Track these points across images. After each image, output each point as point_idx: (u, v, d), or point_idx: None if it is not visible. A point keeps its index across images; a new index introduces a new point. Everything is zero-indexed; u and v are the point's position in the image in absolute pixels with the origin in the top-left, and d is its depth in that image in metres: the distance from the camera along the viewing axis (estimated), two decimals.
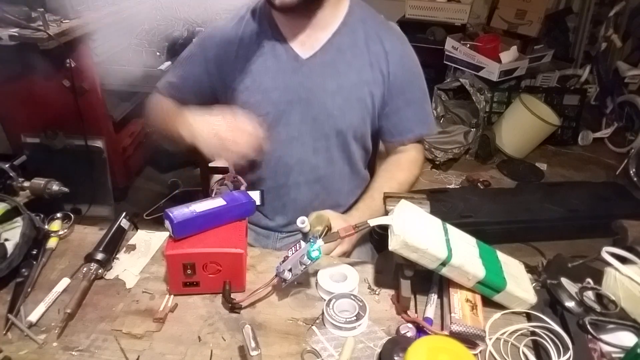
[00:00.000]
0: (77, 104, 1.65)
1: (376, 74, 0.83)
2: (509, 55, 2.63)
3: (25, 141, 1.78)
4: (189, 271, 0.60)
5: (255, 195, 0.69)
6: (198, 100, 0.87)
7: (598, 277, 0.61)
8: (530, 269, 0.67)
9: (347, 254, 0.81)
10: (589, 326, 0.54)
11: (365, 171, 0.98)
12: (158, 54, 1.76)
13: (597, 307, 0.56)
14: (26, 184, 0.82)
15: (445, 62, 2.88)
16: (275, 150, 0.84)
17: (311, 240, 0.59)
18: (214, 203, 0.65)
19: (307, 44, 0.82)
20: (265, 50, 0.82)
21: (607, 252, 0.59)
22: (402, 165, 0.92)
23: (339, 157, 0.89)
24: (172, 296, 0.63)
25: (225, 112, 0.74)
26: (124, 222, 0.76)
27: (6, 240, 0.68)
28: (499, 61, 2.61)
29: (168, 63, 1.77)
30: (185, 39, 1.90)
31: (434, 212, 0.65)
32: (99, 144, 1.79)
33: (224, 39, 0.84)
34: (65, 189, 0.89)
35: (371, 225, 0.60)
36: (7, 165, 0.87)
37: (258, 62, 0.82)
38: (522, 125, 2.58)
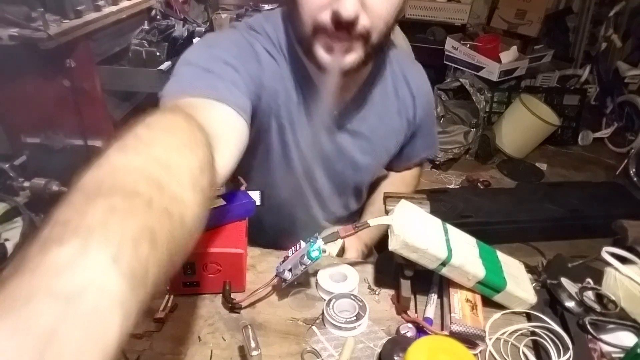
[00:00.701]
0: (77, 104, 1.65)
1: (403, 121, 0.80)
2: (509, 55, 2.64)
3: (25, 141, 1.77)
4: (188, 271, 0.60)
5: (255, 195, 0.68)
6: (247, 118, 0.58)
7: (598, 277, 0.61)
8: (530, 269, 0.67)
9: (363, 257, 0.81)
10: (589, 326, 0.54)
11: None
12: (158, 54, 1.76)
13: (597, 307, 0.56)
14: (26, 184, 0.82)
15: (445, 62, 2.89)
16: (293, 202, 0.82)
17: (311, 241, 0.59)
18: (213, 202, 0.65)
19: (337, 94, 0.70)
20: (301, 100, 0.70)
21: (607, 252, 0.59)
22: (407, 180, 0.93)
23: (354, 201, 0.89)
24: (172, 296, 0.63)
25: None
26: None
27: (6, 240, 0.68)
28: (499, 61, 2.61)
29: (168, 63, 1.77)
30: (186, 39, 1.90)
31: (434, 212, 0.65)
32: (98, 143, 1.79)
33: (271, 73, 0.67)
34: (65, 189, 0.90)
35: (371, 225, 0.60)
36: (7, 166, 0.87)
37: (294, 115, 0.71)
38: (522, 125, 2.58)
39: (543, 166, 2.60)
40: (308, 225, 0.84)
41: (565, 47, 3.31)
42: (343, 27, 0.54)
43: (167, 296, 0.63)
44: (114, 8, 1.70)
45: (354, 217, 0.93)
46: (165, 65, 1.76)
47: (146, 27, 1.89)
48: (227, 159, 0.49)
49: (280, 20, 0.69)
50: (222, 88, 0.55)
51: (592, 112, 3.01)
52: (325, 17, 0.55)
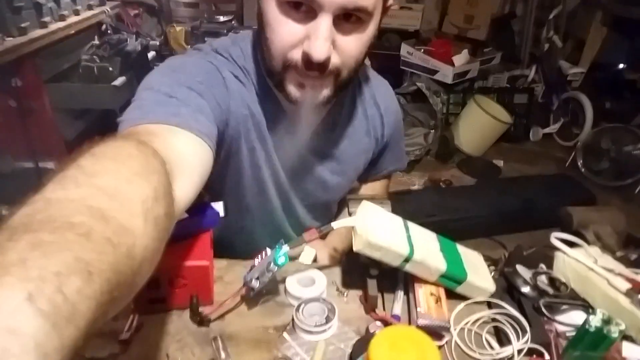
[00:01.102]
0: (25, 124, 1.58)
1: (372, 139, 0.80)
2: (460, 59, 2.75)
3: None
4: (153, 287, 0.59)
5: (218, 206, 0.68)
6: (212, 144, 0.56)
7: (550, 263, 0.65)
8: (492, 262, 0.70)
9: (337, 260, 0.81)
10: (543, 308, 0.57)
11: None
12: (111, 69, 1.71)
13: (550, 290, 0.59)
14: None
15: (401, 67, 2.97)
16: (266, 223, 0.81)
17: (277, 247, 0.59)
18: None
19: (306, 119, 0.71)
20: (271, 125, 0.69)
21: (555, 237, 0.63)
22: (376, 190, 0.93)
23: (325, 217, 0.89)
24: (137, 315, 0.61)
25: None
26: None
27: None
28: (452, 64, 2.72)
29: (122, 78, 1.73)
30: (139, 53, 1.86)
31: (398, 213, 0.67)
32: (50, 165, 1.71)
33: (239, 97, 0.66)
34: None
35: (334, 227, 0.61)
36: None
37: (266, 138, 0.70)
38: (477, 125, 2.70)
39: (500, 162, 2.73)
40: (278, 239, 0.84)
41: (512, 49, 3.50)
42: (314, 68, 0.54)
43: (131, 316, 0.61)
44: (61, 24, 1.65)
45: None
46: (119, 81, 1.72)
47: (97, 42, 1.84)
48: (187, 186, 0.46)
49: (248, 46, 0.68)
50: (185, 114, 0.53)
51: (540, 109, 3.19)
52: (297, 56, 0.55)
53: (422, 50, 2.85)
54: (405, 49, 2.93)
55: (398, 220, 0.66)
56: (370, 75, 0.80)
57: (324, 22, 0.51)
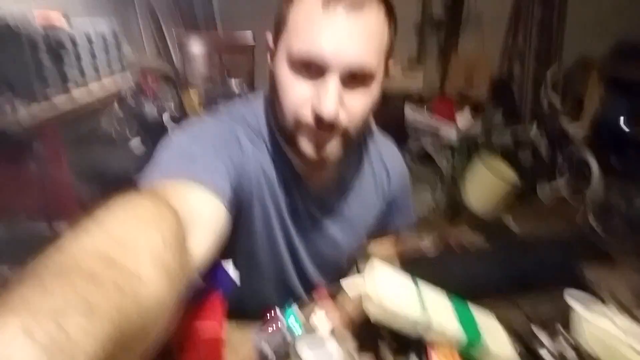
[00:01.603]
0: (43, 187, 1.63)
1: (379, 196, 0.83)
2: (463, 118, 2.84)
3: None
4: (163, 356, 0.57)
5: (233, 273, 0.68)
6: (227, 202, 0.57)
7: (566, 322, 0.63)
8: (508, 324, 0.68)
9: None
10: None
11: None
12: (128, 132, 1.79)
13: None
14: None
15: (405, 126, 3.07)
16: (277, 283, 0.81)
17: (287, 309, 0.58)
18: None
19: (317, 179, 0.74)
20: (283, 185, 0.72)
21: (570, 296, 0.61)
22: (385, 247, 0.94)
23: (334, 276, 0.87)
24: None
25: None
26: None
27: None
28: (455, 123, 2.80)
29: (138, 141, 1.80)
30: (155, 116, 1.95)
31: (405, 273, 0.67)
32: (64, 226, 1.74)
33: (253, 159, 0.68)
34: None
35: (343, 285, 0.61)
36: None
37: (279, 198, 0.72)
38: (483, 183, 2.71)
39: (509, 220, 2.70)
40: (288, 299, 0.83)
41: (513, 107, 3.61)
42: (323, 126, 0.57)
43: None
44: (83, 91, 1.75)
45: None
46: (135, 143, 1.79)
47: (116, 107, 1.94)
48: (202, 240, 0.47)
49: (260, 109, 0.72)
50: (201, 172, 0.55)
51: (546, 165, 3.21)
52: (307, 113, 0.58)
53: (426, 110, 2.95)
54: (408, 109, 3.04)
55: (408, 279, 0.65)
56: (376, 135, 0.84)
57: (332, 81, 0.55)
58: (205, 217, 0.50)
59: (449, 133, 2.80)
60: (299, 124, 0.60)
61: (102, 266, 0.28)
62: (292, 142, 0.63)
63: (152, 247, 0.32)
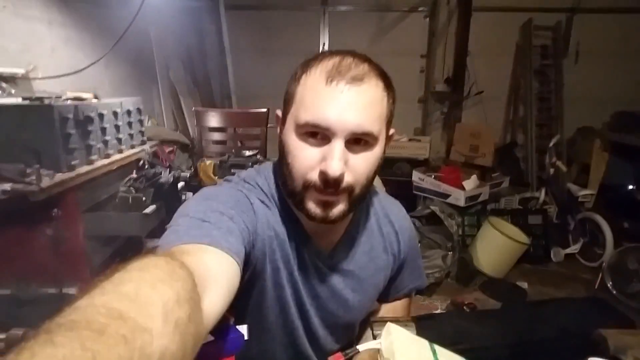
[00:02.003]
0: (57, 252, 1.65)
1: (389, 256, 0.84)
2: (470, 183, 2.89)
3: None
4: None
5: (243, 329, 0.68)
6: (240, 262, 0.59)
7: None
8: None
9: None
10: None
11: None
12: (144, 199, 1.85)
13: None
14: (1, 335, 0.79)
15: (414, 192, 3.11)
16: (287, 343, 0.81)
17: None
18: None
19: (326, 238, 0.77)
20: (294, 245, 0.74)
21: None
22: (397, 311, 0.93)
23: (345, 337, 0.89)
24: None
25: None
26: None
27: None
28: (463, 189, 2.84)
29: (152, 207, 1.85)
30: (171, 184, 2.02)
31: (421, 337, 0.66)
32: (73, 291, 1.73)
33: (265, 221, 0.72)
34: None
35: (360, 349, 0.60)
36: None
37: (290, 258, 0.74)
38: (495, 246, 2.68)
39: (524, 284, 2.63)
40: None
41: (519, 173, 3.67)
42: (330, 185, 0.61)
43: None
44: (105, 161, 1.84)
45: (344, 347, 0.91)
46: (149, 209, 1.84)
47: (134, 175, 2.02)
48: (216, 300, 0.48)
49: (271, 174, 0.77)
50: (216, 235, 0.57)
51: (557, 230, 3.19)
52: (314, 176, 0.62)
53: (433, 176, 3.01)
54: (416, 176, 3.10)
55: (424, 343, 0.64)
56: (382, 197, 0.87)
57: (337, 145, 0.60)
58: (219, 276, 0.51)
59: (458, 199, 2.83)
60: (307, 186, 0.63)
61: (112, 320, 0.29)
62: (300, 204, 0.66)
63: (164, 303, 0.33)
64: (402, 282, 0.91)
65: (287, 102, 0.67)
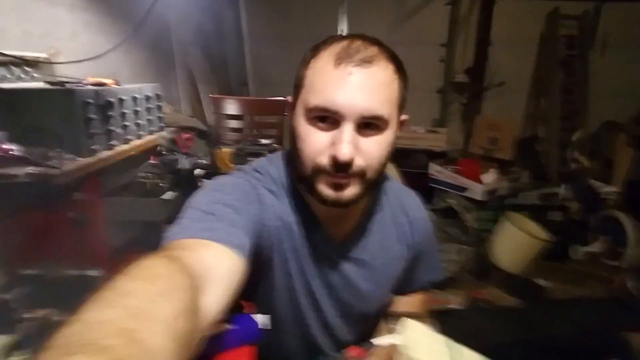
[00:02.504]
0: (79, 235, 1.69)
1: (403, 247, 0.83)
2: (489, 177, 2.84)
3: (22, 273, 1.76)
4: None
5: (258, 318, 0.68)
6: (244, 255, 0.58)
7: None
8: None
9: None
10: None
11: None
12: (162, 184, 1.87)
13: None
14: (27, 315, 0.81)
15: (430, 184, 3.07)
16: (299, 334, 0.81)
17: None
18: (216, 327, 0.64)
19: (338, 227, 0.76)
20: (304, 234, 0.74)
21: None
22: (414, 305, 0.91)
23: (360, 328, 0.87)
24: None
25: None
26: None
27: None
28: (481, 182, 2.79)
29: (170, 193, 1.87)
30: (188, 170, 2.04)
31: (436, 332, 0.65)
32: (95, 273, 1.77)
33: (272, 211, 0.72)
34: (65, 319, 0.88)
35: (375, 343, 0.60)
36: (9, 297, 0.86)
37: (299, 248, 0.74)
38: (513, 242, 2.64)
39: (542, 282, 2.58)
40: (314, 356, 0.81)
41: (539, 168, 3.59)
42: (340, 169, 0.61)
43: None
44: (125, 146, 1.86)
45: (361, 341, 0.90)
46: (167, 195, 1.86)
47: (152, 161, 2.04)
48: (216, 298, 0.49)
49: (282, 162, 0.77)
50: (219, 229, 0.58)
51: (578, 227, 3.11)
52: (324, 160, 0.62)
53: (450, 169, 2.97)
54: (433, 168, 3.06)
55: (441, 339, 0.63)
56: (398, 187, 0.86)
57: (347, 128, 0.60)
58: (220, 273, 0.52)
59: (475, 192, 2.79)
60: (317, 170, 0.63)
61: (123, 344, 0.30)
62: (312, 188, 0.66)
63: (166, 318, 0.35)
64: (418, 274, 0.90)
65: (297, 87, 0.67)
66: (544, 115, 3.77)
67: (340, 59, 0.60)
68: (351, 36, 0.65)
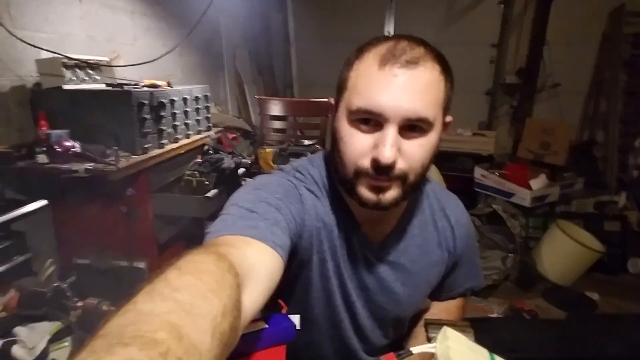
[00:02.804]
0: (129, 228, 1.79)
1: (444, 252, 0.81)
2: (538, 183, 2.70)
3: (75, 262, 1.89)
4: None
5: (295, 319, 0.69)
6: (284, 254, 0.60)
7: None
8: None
9: None
10: None
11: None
12: (207, 183, 1.94)
13: None
14: (79, 303, 0.87)
15: (475, 189, 2.97)
16: (333, 336, 0.81)
17: None
18: (254, 325, 0.66)
19: (377, 229, 0.75)
20: (342, 235, 0.74)
21: None
22: (451, 310, 0.90)
23: (393, 332, 0.87)
24: None
25: None
26: None
27: None
28: (529, 188, 2.67)
29: (214, 191, 1.94)
30: (233, 169, 2.10)
31: (477, 343, 0.63)
32: (142, 265, 1.87)
33: (313, 212, 0.72)
34: (114, 309, 0.94)
35: (414, 352, 0.59)
36: (65, 285, 0.94)
37: (335, 245, 0.73)
38: (563, 251, 2.50)
39: (594, 296, 2.43)
40: (346, 358, 0.82)
41: (596, 174, 3.37)
42: (382, 172, 0.60)
43: None
44: (174, 145, 1.96)
45: (393, 345, 0.90)
46: (212, 193, 1.93)
47: (199, 160, 2.13)
48: (256, 295, 0.50)
49: (323, 163, 0.77)
50: (261, 227, 0.58)
51: (638, 239, 2.89)
52: (366, 163, 0.62)
53: (497, 173, 2.86)
54: (479, 172, 2.96)
55: (484, 352, 0.61)
56: (440, 191, 0.84)
57: (390, 131, 0.59)
58: (261, 272, 0.52)
59: (523, 198, 2.66)
60: (359, 173, 0.63)
61: (172, 340, 0.31)
62: (352, 191, 0.65)
63: (213, 317, 0.35)
64: (457, 280, 0.87)
65: (340, 88, 0.67)
66: (603, 119, 3.54)
67: (385, 60, 0.60)
68: (396, 37, 0.64)
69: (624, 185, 3.17)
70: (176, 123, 1.98)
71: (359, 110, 0.61)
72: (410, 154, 0.61)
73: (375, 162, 0.60)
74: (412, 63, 0.59)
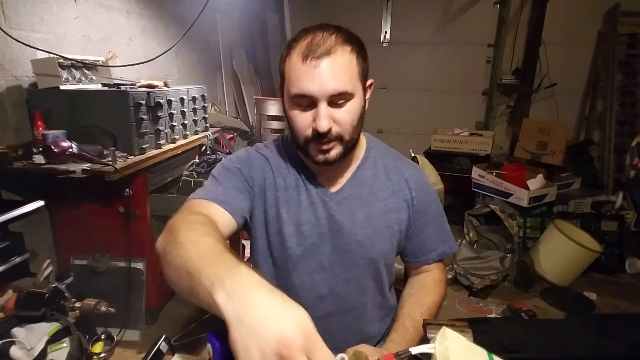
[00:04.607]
0: (127, 228, 1.79)
1: (399, 200, 0.91)
2: (536, 183, 2.71)
3: (73, 263, 1.88)
4: None
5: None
6: (240, 216, 0.82)
7: None
8: None
9: None
10: None
11: (393, 297, 1.00)
12: (205, 182, 1.94)
13: None
14: (77, 304, 0.86)
15: (472, 189, 2.98)
16: (306, 282, 0.89)
17: None
18: None
19: (333, 179, 0.90)
20: (299, 183, 0.89)
21: None
22: (428, 287, 0.95)
23: (371, 286, 0.92)
24: None
25: None
26: (163, 346, 0.77)
27: None
28: (527, 188, 2.67)
29: None
30: None
31: (476, 344, 0.63)
32: (140, 265, 1.87)
33: (263, 165, 0.90)
34: (112, 310, 0.93)
35: (413, 353, 0.59)
36: (63, 286, 0.93)
37: (292, 195, 0.88)
38: (560, 252, 2.50)
39: (592, 295, 2.43)
40: (334, 301, 0.90)
41: (593, 174, 3.38)
42: (322, 137, 0.78)
43: None
44: (172, 145, 1.95)
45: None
46: None
47: (197, 160, 2.13)
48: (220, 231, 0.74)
49: (288, 136, 0.94)
50: (220, 193, 0.82)
51: (635, 238, 2.91)
52: (310, 133, 0.80)
53: (494, 173, 2.86)
54: (476, 172, 2.96)
55: (482, 352, 0.61)
56: (402, 159, 0.98)
57: (322, 107, 0.77)
58: (220, 223, 0.75)
59: (520, 198, 2.67)
60: (307, 140, 0.81)
61: (204, 233, 0.62)
62: (306, 153, 0.84)
63: (216, 240, 0.60)
64: (427, 242, 0.94)
65: (282, 78, 0.82)
66: (600, 119, 3.56)
67: (306, 57, 0.75)
68: (314, 29, 0.79)
69: (621, 185, 3.18)
70: (173, 123, 1.98)
71: (296, 96, 0.78)
72: (340, 119, 0.79)
73: (316, 131, 0.78)
74: (326, 53, 0.75)
